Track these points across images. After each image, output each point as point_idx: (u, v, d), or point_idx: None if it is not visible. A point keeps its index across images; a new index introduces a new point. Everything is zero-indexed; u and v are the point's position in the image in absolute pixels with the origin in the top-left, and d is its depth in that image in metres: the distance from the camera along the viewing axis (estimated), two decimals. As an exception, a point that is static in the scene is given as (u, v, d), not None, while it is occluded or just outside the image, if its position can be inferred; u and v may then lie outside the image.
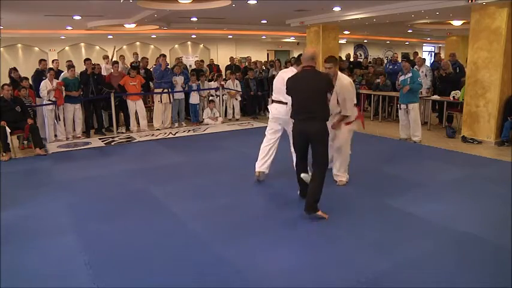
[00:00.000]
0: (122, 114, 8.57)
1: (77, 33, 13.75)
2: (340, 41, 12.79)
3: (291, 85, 3.92)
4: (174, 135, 7.97)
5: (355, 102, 4.62)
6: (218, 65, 12.68)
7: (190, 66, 12.47)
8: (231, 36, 16.48)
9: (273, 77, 9.83)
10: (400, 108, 7.02)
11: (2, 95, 6.44)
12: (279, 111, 4.64)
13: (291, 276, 2.81)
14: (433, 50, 23.28)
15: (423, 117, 8.38)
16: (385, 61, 12.73)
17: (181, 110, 8.96)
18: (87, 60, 8.02)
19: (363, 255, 3.08)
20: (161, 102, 8.47)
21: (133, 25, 11.40)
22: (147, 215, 3.95)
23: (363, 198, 4.23)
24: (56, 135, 7.50)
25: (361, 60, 12.75)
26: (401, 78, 6.90)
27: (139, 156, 6.42)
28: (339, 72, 4.51)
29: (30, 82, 7.70)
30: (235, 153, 6.44)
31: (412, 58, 10.58)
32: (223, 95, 9.58)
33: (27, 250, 3.23)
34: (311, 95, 3.73)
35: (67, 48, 15.41)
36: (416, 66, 8.50)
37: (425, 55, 22.49)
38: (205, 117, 9.17)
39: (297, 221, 3.73)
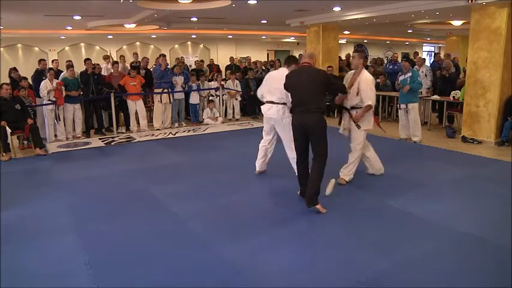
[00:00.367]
0: (121, 114, 8.57)
1: (77, 33, 13.76)
2: (340, 41, 12.79)
3: (289, 80, 4.09)
4: (174, 135, 7.97)
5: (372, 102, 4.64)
6: (218, 65, 12.69)
7: (190, 66, 12.47)
8: (231, 36, 16.48)
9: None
10: (399, 108, 7.02)
11: (1, 95, 6.44)
12: (271, 111, 4.72)
13: (291, 276, 2.80)
14: (433, 50, 23.28)
15: (423, 117, 8.39)
16: (385, 61, 12.74)
17: (181, 110, 8.97)
18: (87, 60, 8.02)
19: (363, 255, 3.08)
20: (161, 102, 8.47)
21: (133, 25, 11.41)
22: (147, 215, 3.95)
23: (363, 198, 4.23)
24: (56, 135, 7.50)
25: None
26: (401, 78, 6.91)
27: (139, 156, 6.42)
28: (363, 69, 4.61)
29: (30, 82, 7.70)
30: (235, 153, 6.44)
31: (412, 58, 10.60)
32: (223, 95, 9.58)
33: (27, 250, 3.23)
34: (308, 89, 3.89)
35: (67, 48, 15.41)
36: (416, 66, 8.50)
37: (424, 55, 22.48)
38: (205, 117, 9.17)
39: (297, 221, 3.73)
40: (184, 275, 2.84)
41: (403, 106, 6.89)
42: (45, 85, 7.09)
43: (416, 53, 12.18)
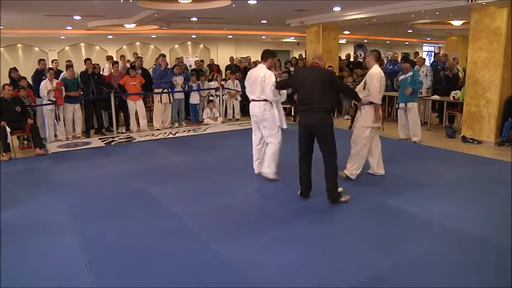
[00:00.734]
0: (121, 114, 8.57)
1: (77, 33, 13.76)
2: (340, 41, 12.80)
3: (296, 78, 4.23)
4: (174, 135, 7.97)
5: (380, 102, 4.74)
6: (218, 65, 12.69)
7: (190, 66, 12.46)
8: (231, 36, 16.48)
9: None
10: (398, 108, 7.01)
11: (2, 95, 6.45)
12: (253, 109, 4.78)
13: (291, 276, 2.80)
14: (433, 50, 23.28)
15: (423, 117, 8.39)
16: (385, 61, 12.73)
17: (181, 110, 8.97)
18: (87, 60, 8.02)
19: (363, 255, 3.08)
20: (161, 102, 8.47)
21: (133, 25, 11.41)
22: (147, 215, 3.95)
23: (363, 198, 4.23)
24: (56, 135, 7.50)
25: (361, 60, 12.75)
26: (401, 77, 6.89)
27: (139, 156, 6.42)
28: (375, 65, 4.76)
29: (30, 82, 7.69)
30: (235, 153, 6.44)
31: (412, 58, 10.60)
32: (223, 95, 9.58)
33: (27, 250, 3.23)
34: (314, 87, 3.95)
35: (67, 48, 15.42)
36: (417, 66, 8.50)
37: (424, 55, 22.47)
38: (205, 117, 9.17)
39: (297, 221, 3.73)
40: (184, 274, 2.84)
41: (402, 105, 6.88)
42: (45, 85, 7.09)
43: (416, 53, 12.17)
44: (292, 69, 10.66)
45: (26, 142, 6.93)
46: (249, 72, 4.97)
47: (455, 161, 5.83)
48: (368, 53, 5.34)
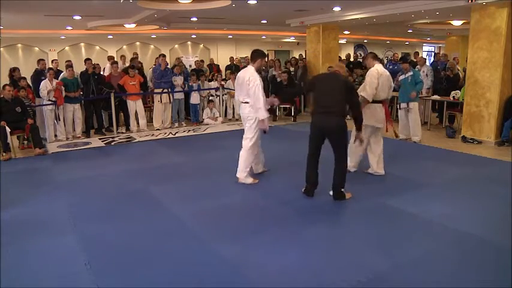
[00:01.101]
0: (121, 114, 8.57)
1: (77, 33, 13.76)
2: (340, 41, 12.79)
3: (316, 82, 4.29)
4: (174, 135, 7.97)
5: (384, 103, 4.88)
6: (218, 65, 12.68)
7: (190, 66, 12.46)
8: (231, 36, 16.48)
9: (273, 76, 9.89)
10: (400, 108, 7.00)
11: (2, 96, 6.45)
12: (241, 110, 4.78)
13: (291, 276, 2.80)
14: (433, 50, 23.28)
15: (423, 117, 8.39)
16: (385, 61, 12.72)
17: (181, 110, 8.97)
18: (87, 60, 8.02)
19: (362, 255, 3.08)
20: (161, 102, 8.47)
21: (133, 25, 11.40)
22: (147, 215, 3.95)
23: (363, 198, 4.23)
24: (56, 135, 7.50)
25: (361, 60, 12.73)
26: (401, 77, 6.89)
27: (139, 156, 6.42)
28: (375, 64, 4.90)
29: (29, 82, 7.68)
30: (235, 153, 6.37)
31: (413, 58, 10.60)
32: (223, 95, 9.58)
33: (27, 250, 3.23)
34: (333, 93, 4.04)
35: (67, 48, 15.41)
36: (418, 66, 8.49)
37: (424, 55, 22.48)
38: (205, 117, 9.17)
39: (297, 221, 3.73)
40: (184, 274, 2.84)
41: (403, 106, 6.87)
42: (45, 85, 7.09)
43: (416, 53, 12.16)
44: (292, 69, 10.67)
45: (26, 142, 6.93)
46: (238, 74, 4.87)
47: (455, 161, 5.83)
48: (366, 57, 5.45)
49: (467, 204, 4.09)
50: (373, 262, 2.96)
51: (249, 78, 4.52)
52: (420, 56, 10.55)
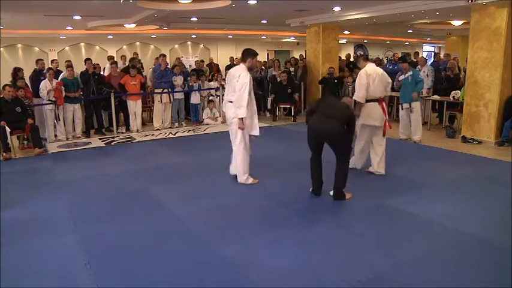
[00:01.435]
0: (121, 114, 8.58)
1: (77, 33, 13.75)
2: (340, 41, 12.79)
3: (320, 102, 4.38)
4: (174, 135, 7.97)
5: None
6: (218, 65, 12.69)
7: (190, 66, 12.46)
8: (231, 36, 16.48)
9: (273, 76, 9.89)
10: (402, 108, 6.98)
11: (2, 96, 6.45)
12: (228, 111, 4.65)
13: (291, 276, 2.80)
14: (433, 50, 23.28)
15: (423, 117, 8.38)
16: (385, 61, 12.72)
17: (181, 110, 8.97)
18: (87, 60, 8.03)
19: (362, 255, 3.08)
20: (161, 102, 8.47)
21: (133, 25, 11.40)
22: (147, 215, 3.95)
23: (363, 198, 4.23)
24: (56, 135, 7.50)
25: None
26: (401, 77, 6.88)
27: (139, 156, 6.43)
28: (366, 65, 4.97)
29: (27, 81, 7.67)
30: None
31: (413, 58, 10.59)
32: (223, 95, 9.55)
33: (27, 250, 3.23)
34: (336, 107, 4.12)
35: (67, 48, 15.41)
36: (418, 66, 8.49)
37: (423, 55, 22.47)
38: (205, 117, 9.17)
39: (297, 221, 3.73)
40: (184, 275, 2.84)
41: (405, 106, 6.86)
42: (45, 85, 7.09)
43: (416, 53, 12.17)
44: (292, 69, 10.66)
45: (26, 142, 6.93)
46: (229, 70, 4.76)
47: (455, 161, 5.83)
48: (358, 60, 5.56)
49: (467, 204, 4.09)
50: (373, 262, 2.96)
51: (240, 75, 4.42)
52: (420, 56, 10.54)
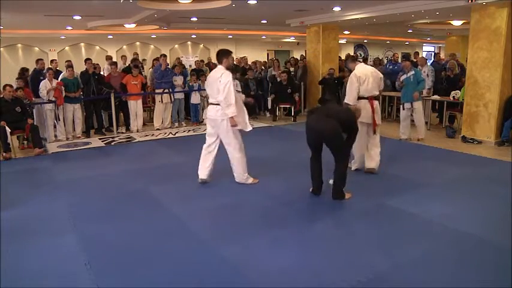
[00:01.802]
0: (121, 114, 8.58)
1: (77, 33, 13.75)
2: (340, 41, 12.78)
3: (323, 107, 4.49)
4: (174, 135, 7.97)
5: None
6: (216, 63, 12.64)
7: (190, 66, 12.46)
8: (231, 36, 16.48)
9: (273, 76, 9.89)
10: (403, 109, 6.97)
11: (2, 96, 6.45)
12: (210, 112, 4.61)
13: (291, 276, 2.80)
14: (433, 50, 23.28)
15: (423, 117, 8.38)
16: (385, 61, 12.72)
17: (181, 110, 8.97)
18: (87, 60, 8.03)
19: (363, 255, 3.08)
20: (162, 102, 8.48)
21: (133, 25, 11.40)
22: (147, 215, 3.95)
23: (363, 198, 4.23)
24: (56, 135, 7.50)
25: (361, 60, 12.72)
26: (403, 77, 6.86)
27: (139, 156, 6.43)
28: (356, 65, 5.03)
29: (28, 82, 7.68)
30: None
31: (413, 58, 10.58)
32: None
33: (27, 250, 3.23)
34: (337, 111, 4.13)
35: (67, 48, 15.41)
36: (419, 66, 8.49)
37: (423, 55, 22.47)
38: (205, 117, 9.14)
39: (297, 221, 3.73)
40: (184, 275, 2.84)
41: (407, 106, 6.85)
42: (45, 85, 7.10)
43: (416, 53, 12.16)
44: (292, 69, 10.66)
45: (26, 142, 6.93)
46: (209, 75, 4.73)
47: (455, 161, 5.83)
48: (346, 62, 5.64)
49: (467, 204, 4.09)
50: (373, 262, 2.96)
51: (221, 75, 4.40)
52: (420, 55, 10.53)
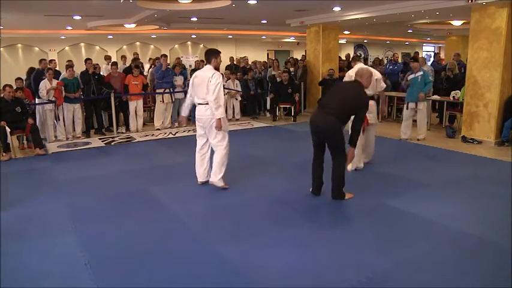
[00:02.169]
0: (121, 114, 8.58)
1: (77, 33, 13.76)
2: (340, 41, 12.78)
3: (335, 86, 4.34)
4: (174, 135, 7.97)
5: None
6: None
7: (190, 66, 12.46)
8: (231, 36, 16.48)
9: (272, 76, 9.89)
10: (407, 108, 6.97)
11: (2, 96, 6.45)
12: (200, 113, 4.51)
13: (291, 276, 2.80)
14: (433, 50, 23.28)
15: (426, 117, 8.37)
16: (385, 61, 12.72)
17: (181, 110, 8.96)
18: (87, 60, 8.03)
19: (363, 255, 3.08)
20: (163, 102, 8.48)
21: (133, 25, 11.41)
22: (147, 215, 3.95)
23: (363, 198, 4.23)
24: (55, 135, 7.50)
25: (361, 60, 12.71)
26: (411, 76, 6.85)
27: (139, 156, 6.43)
28: (355, 66, 5.19)
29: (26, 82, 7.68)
30: (234, 153, 6.40)
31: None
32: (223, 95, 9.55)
33: (27, 250, 3.23)
34: (342, 97, 4.02)
35: (67, 48, 15.41)
36: None
37: (423, 55, 22.47)
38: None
39: (296, 221, 3.73)
40: (184, 275, 2.84)
41: (412, 105, 6.85)
42: (44, 85, 7.10)
43: (416, 53, 12.16)
44: (292, 69, 10.66)
45: (26, 142, 6.93)
46: (193, 75, 4.61)
47: (455, 161, 5.83)
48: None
49: (467, 204, 4.09)
50: (373, 262, 2.96)
51: (212, 75, 4.34)
52: (421, 56, 10.53)
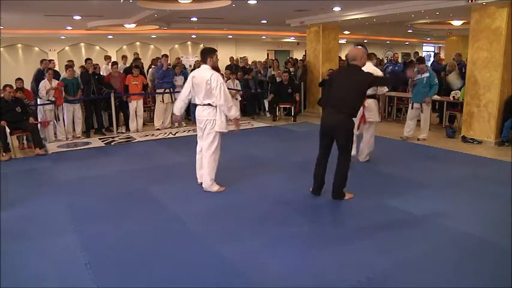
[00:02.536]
0: (121, 114, 8.58)
1: (77, 33, 13.75)
2: (340, 41, 12.77)
3: (332, 78, 4.23)
4: (174, 135, 7.97)
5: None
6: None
7: (190, 66, 12.45)
8: (231, 36, 16.48)
9: (272, 76, 9.88)
10: (412, 108, 7.00)
11: (2, 96, 6.45)
12: (199, 113, 4.44)
13: (291, 276, 2.80)
14: (433, 50, 23.28)
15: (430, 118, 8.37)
16: (385, 61, 12.72)
17: (181, 110, 8.96)
18: (87, 60, 8.04)
19: (363, 255, 3.08)
20: (163, 102, 8.48)
21: (133, 25, 11.41)
22: (147, 215, 3.95)
23: (363, 198, 4.23)
24: (56, 135, 7.51)
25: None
26: (418, 76, 6.86)
27: (139, 156, 6.43)
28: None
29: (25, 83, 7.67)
30: (234, 153, 6.42)
31: (412, 58, 10.58)
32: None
33: (27, 250, 3.23)
34: (347, 88, 3.96)
35: (67, 48, 15.41)
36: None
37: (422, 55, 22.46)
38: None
39: (297, 221, 3.73)
40: (184, 275, 2.84)
41: (416, 106, 6.90)
42: (44, 85, 7.10)
43: (416, 53, 12.16)
44: (292, 69, 10.66)
45: (26, 142, 6.93)
46: (191, 75, 4.49)
47: (455, 161, 5.83)
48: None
49: (467, 204, 4.09)
50: (373, 262, 2.96)
51: (211, 77, 4.20)
52: (420, 56, 10.52)
